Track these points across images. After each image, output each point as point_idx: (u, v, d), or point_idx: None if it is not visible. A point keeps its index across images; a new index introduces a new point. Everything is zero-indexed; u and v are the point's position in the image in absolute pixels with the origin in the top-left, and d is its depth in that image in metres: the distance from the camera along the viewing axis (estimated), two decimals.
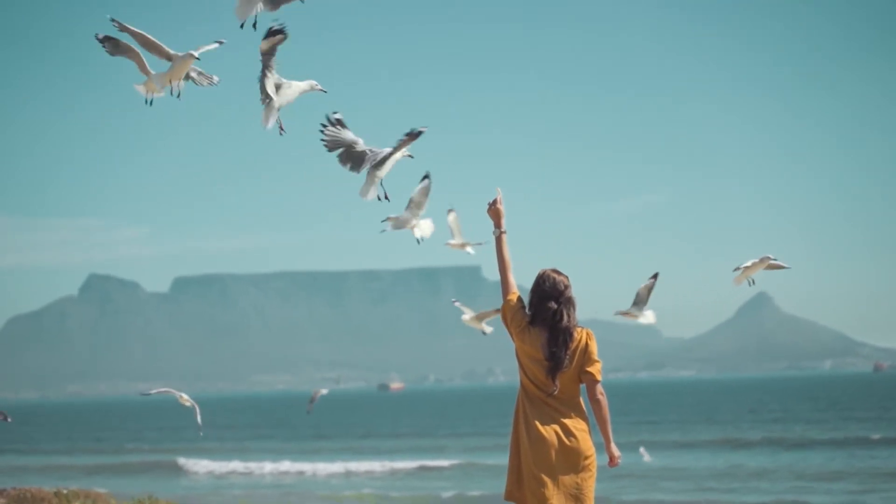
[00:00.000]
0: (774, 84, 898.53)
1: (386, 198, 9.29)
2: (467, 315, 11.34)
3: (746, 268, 10.66)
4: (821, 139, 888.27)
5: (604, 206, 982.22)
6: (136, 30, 9.05)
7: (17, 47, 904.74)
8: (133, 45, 9.14)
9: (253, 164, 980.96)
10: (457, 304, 11.56)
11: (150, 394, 12.68)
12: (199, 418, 12.96)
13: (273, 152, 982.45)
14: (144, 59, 9.22)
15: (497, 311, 10.86)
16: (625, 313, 11.24)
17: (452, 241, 10.92)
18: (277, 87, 8.96)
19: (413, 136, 8.97)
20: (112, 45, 9.13)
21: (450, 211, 10.99)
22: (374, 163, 9.21)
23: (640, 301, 11.26)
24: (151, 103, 9.35)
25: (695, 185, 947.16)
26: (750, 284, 10.81)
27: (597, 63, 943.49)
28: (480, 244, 10.94)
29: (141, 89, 9.34)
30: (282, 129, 9.08)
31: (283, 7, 8.74)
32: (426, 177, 10.13)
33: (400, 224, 10.09)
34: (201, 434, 13.82)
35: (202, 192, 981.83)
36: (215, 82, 9.54)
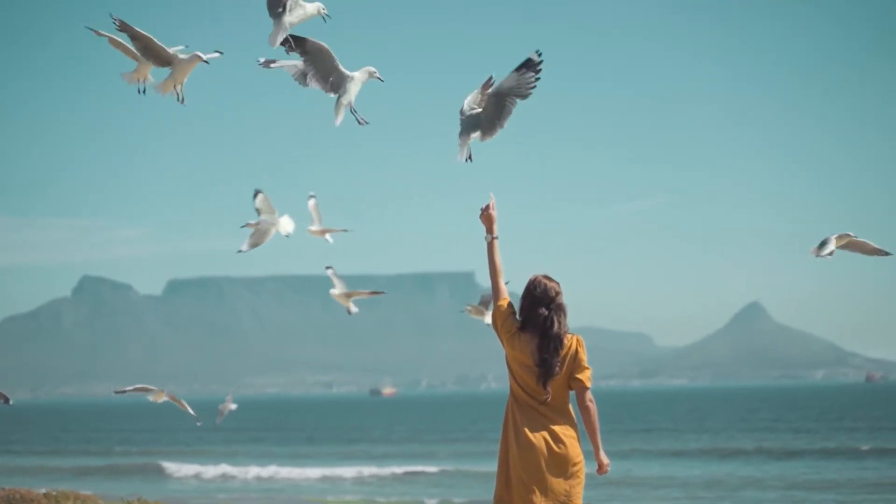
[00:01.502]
0: (772, 89, 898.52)
1: (469, 159, 9.36)
2: (336, 290, 11.66)
3: (827, 243, 10.58)
4: (819, 144, 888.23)
5: (597, 211, 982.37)
6: (139, 31, 8.95)
7: (16, 47, 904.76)
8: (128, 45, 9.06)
9: (249, 166, 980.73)
10: (329, 271, 11.85)
11: (125, 391, 12.37)
12: (190, 410, 12.84)
13: (269, 155, 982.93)
14: (130, 46, 9.11)
15: (371, 293, 11.39)
16: (475, 310, 11.76)
17: (313, 228, 11.17)
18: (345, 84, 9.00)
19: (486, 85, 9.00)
20: (123, 28, 9.00)
21: (311, 197, 11.22)
22: (467, 125, 9.28)
23: (485, 303, 11.71)
24: (144, 92, 9.23)
25: (690, 191, 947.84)
26: (830, 256, 10.72)
27: (593, 64, 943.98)
28: (345, 230, 11.23)
29: (128, 78, 9.21)
30: (345, 121, 9.07)
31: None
32: (259, 192, 10.55)
33: (264, 229, 10.31)
34: (199, 423, 13.67)
35: (197, 194, 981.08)
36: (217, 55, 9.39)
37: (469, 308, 11.84)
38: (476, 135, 9.12)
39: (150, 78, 9.24)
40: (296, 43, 8.82)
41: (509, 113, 9.07)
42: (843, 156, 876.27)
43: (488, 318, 11.54)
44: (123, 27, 8.85)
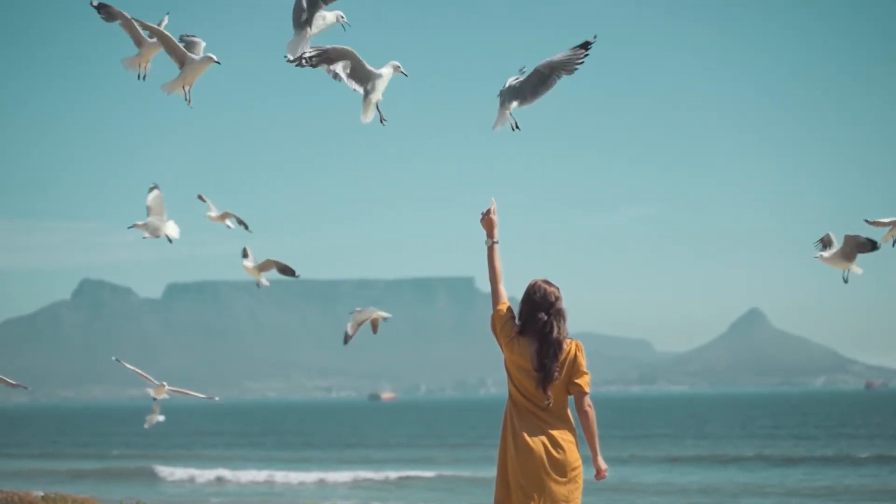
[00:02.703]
0: (772, 94, 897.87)
1: (517, 127, 9.39)
2: (248, 263, 12.01)
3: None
4: (819, 150, 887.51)
5: (597, 217, 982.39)
6: (157, 28, 8.92)
7: (15, 48, 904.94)
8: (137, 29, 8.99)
9: (247, 171, 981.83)
10: (246, 260, 12.16)
11: (127, 367, 12.30)
12: (199, 395, 12.76)
13: (268, 160, 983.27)
14: (139, 29, 9.04)
15: (276, 264, 11.63)
16: (371, 319, 12.55)
17: (211, 214, 11.53)
18: (372, 81, 9.03)
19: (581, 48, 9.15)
20: (106, 12, 8.99)
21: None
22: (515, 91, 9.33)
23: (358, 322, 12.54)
24: (144, 78, 9.14)
25: (689, 197, 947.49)
26: (894, 244, 10.59)
27: (595, 70, 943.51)
28: (234, 223, 11.47)
29: (129, 63, 9.12)
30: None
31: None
32: (155, 187, 11.00)
33: (152, 230, 10.62)
34: (217, 399, 13.69)
35: (196, 197, 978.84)
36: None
37: (357, 316, 12.39)
38: (515, 104, 9.23)
39: (150, 66, 9.15)
40: (317, 58, 8.86)
41: (552, 85, 9.18)
42: (844, 162, 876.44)
43: (379, 314, 12.16)
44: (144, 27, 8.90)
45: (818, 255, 10.44)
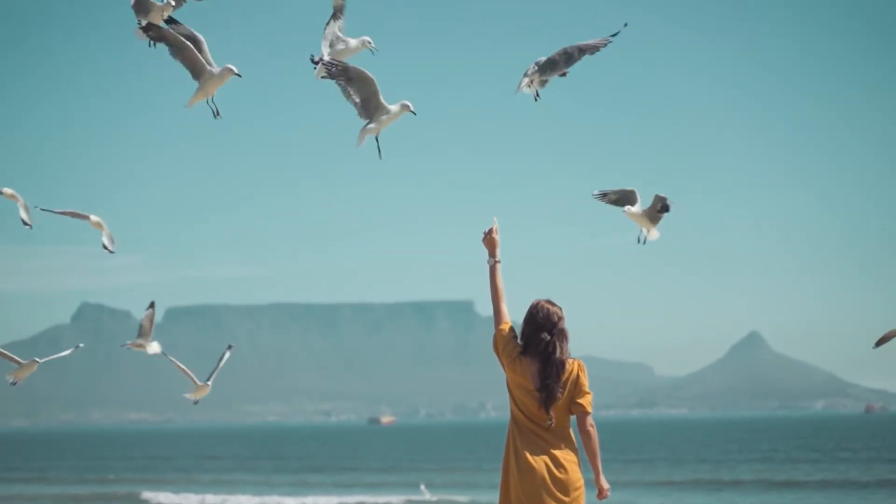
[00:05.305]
0: (773, 117, 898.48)
1: (538, 96, 9.54)
2: (151, 345, 11.91)
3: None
4: (819, 172, 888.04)
5: (595, 240, 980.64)
6: (180, 40, 8.87)
7: (7, 69, 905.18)
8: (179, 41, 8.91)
9: (248, 194, 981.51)
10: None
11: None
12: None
13: (268, 183, 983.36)
14: (195, 53, 8.93)
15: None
16: (135, 345, 12.32)
17: (5, 190, 11.13)
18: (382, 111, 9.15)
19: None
20: (156, 32, 8.94)
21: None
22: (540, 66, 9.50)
23: (144, 333, 12.35)
24: (155, 45, 8.98)
25: (689, 221, 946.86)
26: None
27: (594, 89, 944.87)
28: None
29: (140, 34, 9.01)
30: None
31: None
32: None
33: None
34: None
35: (196, 221, 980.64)
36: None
37: (129, 343, 12.34)
38: (550, 76, 9.46)
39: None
40: (338, 69, 8.99)
41: (576, 62, 9.42)
42: (844, 184, 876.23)
43: (152, 349, 12.08)
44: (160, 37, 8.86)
45: (626, 208, 10.37)
